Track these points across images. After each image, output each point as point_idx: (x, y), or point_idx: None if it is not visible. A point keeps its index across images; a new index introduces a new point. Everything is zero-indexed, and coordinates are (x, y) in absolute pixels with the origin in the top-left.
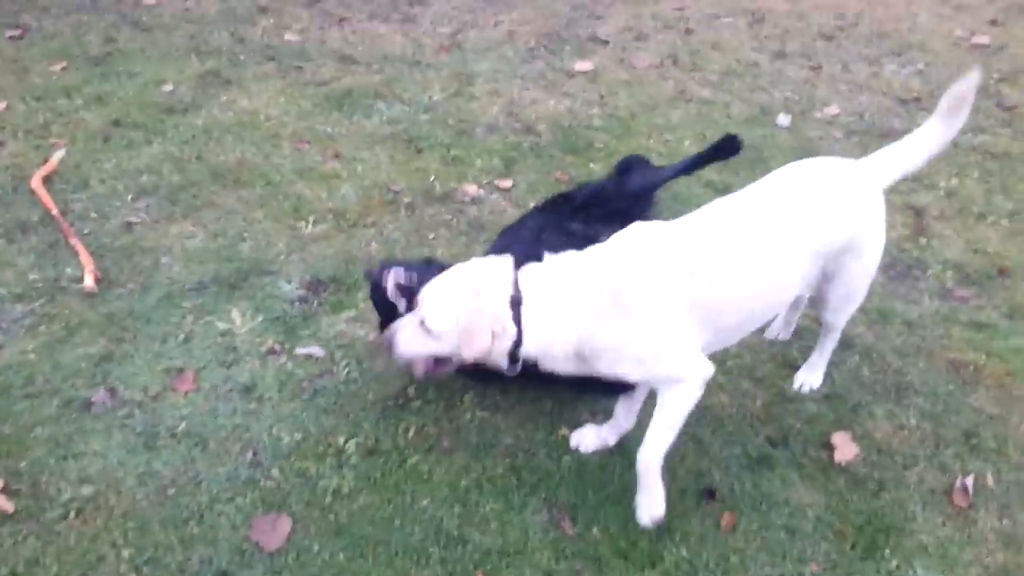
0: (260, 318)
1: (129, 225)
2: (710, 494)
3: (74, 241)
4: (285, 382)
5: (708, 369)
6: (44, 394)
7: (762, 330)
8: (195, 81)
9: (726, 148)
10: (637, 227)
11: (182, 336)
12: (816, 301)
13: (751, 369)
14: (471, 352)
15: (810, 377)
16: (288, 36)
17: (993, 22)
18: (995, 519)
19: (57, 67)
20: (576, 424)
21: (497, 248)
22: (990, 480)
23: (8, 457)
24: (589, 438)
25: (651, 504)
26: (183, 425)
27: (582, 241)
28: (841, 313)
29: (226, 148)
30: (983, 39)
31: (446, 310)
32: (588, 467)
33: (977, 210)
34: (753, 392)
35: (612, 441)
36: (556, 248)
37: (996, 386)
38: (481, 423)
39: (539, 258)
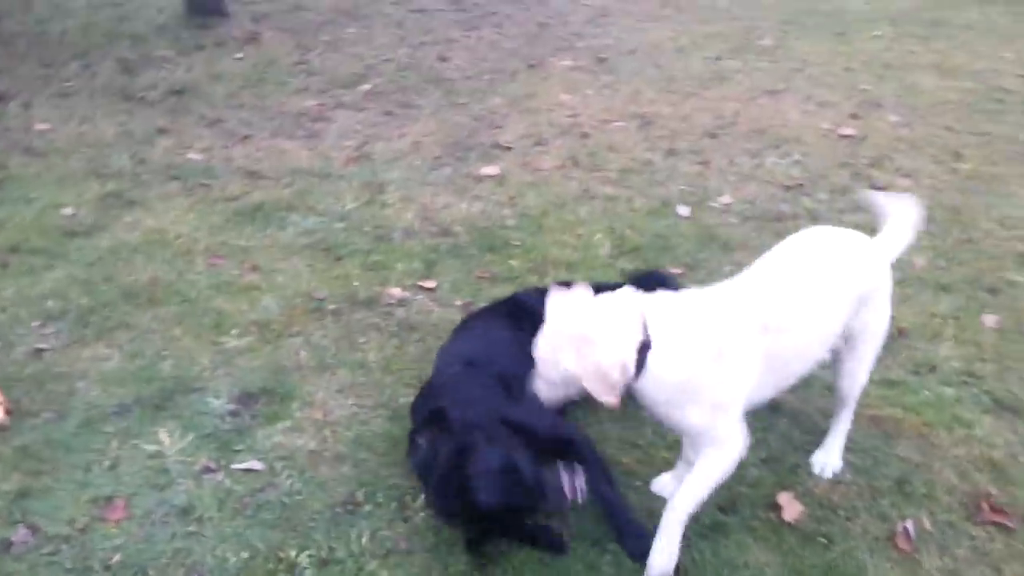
0: (190, 436)
1: (38, 352)
2: (675, 569)
3: None
4: (224, 500)
5: (747, 439)
6: None
7: None
8: (96, 203)
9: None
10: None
11: (107, 462)
12: (836, 368)
13: None
14: (602, 395)
15: (829, 458)
16: (191, 155)
17: (853, 115)
18: (937, 559)
19: None
20: None
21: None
22: (927, 523)
23: None
24: (669, 485)
25: (664, 558)
26: (118, 556)
27: None
28: (857, 378)
29: (136, 268)
30: (848, 131)
31: (554, 364)
32: (550, 557)
33: None
34: None
35: None
36: None
37: (916, 436)
38: (435, 521)
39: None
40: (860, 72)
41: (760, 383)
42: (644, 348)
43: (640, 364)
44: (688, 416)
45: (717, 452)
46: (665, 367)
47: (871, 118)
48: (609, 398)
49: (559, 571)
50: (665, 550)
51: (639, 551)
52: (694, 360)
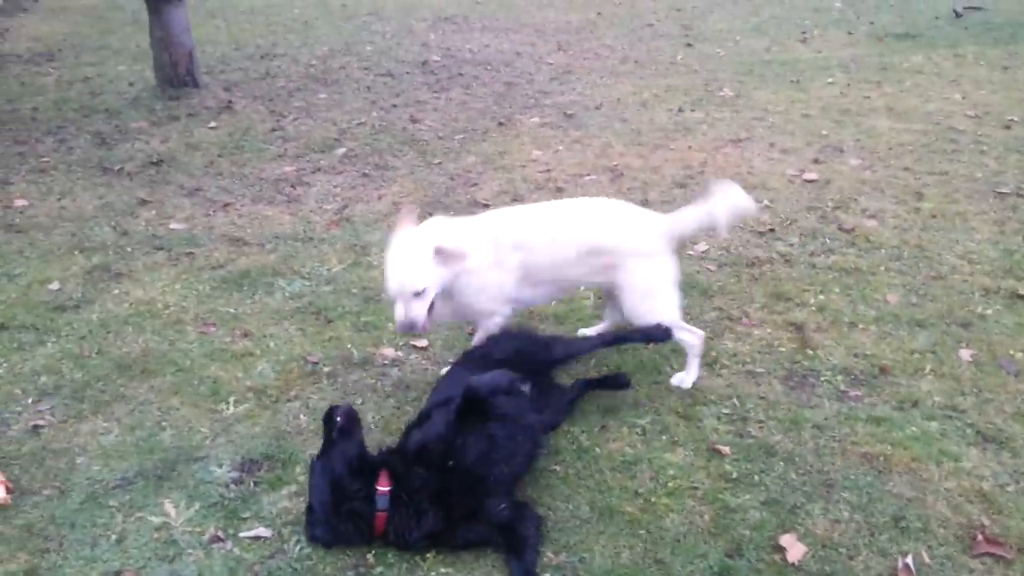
0: (196, 506)
1: (35, 429)
2: None
3: None
4: (235, 569)
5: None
6: None
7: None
8: (82, 277)
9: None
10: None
11: (114, 536)
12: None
13: (692, 488)
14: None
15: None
16: (173, 224)
17: (816, 160)
18: None
19: None
20: (544, 566)
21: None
22: (926, 557)
23: None
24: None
25: None
26: None
27: None
28: (643, 321)
29: (127, 339)
30: (812, 175)
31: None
32: None
33: (847, 320)
34: (699, 508)
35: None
36: None
37: (907, 471)
38: None
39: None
40: (818, 118)
41: (520, 285)
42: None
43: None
44: (479, 304)
45: (488, 324)
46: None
47: (833, 162)
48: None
49: None
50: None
51: None
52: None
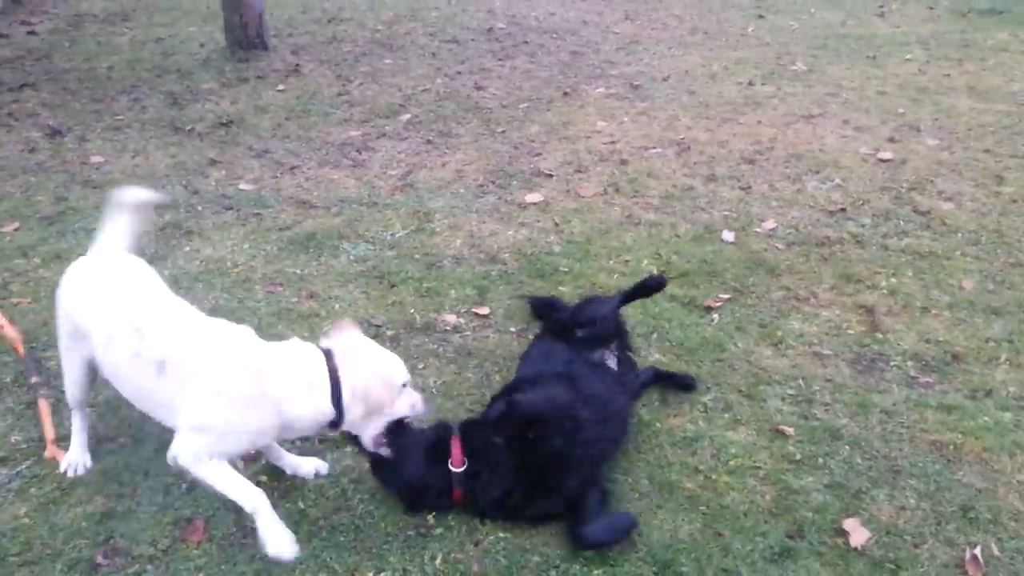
0: (263, 460)
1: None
2: None
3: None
4: (299, 522)
5: None
6: (44, 559)
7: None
8: (155, 233)
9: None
10: None
11: (185, 485)
12: None
13: (754, 467)
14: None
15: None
16: (242, 185)
17: (891, 139)
18: None
19: (9, 228)
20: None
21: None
22: (995, 550)
23: None
24: None
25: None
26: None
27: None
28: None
29: (198, 296)
30: (887, 155)
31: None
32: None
33: (920, 304)
34: (760, 488)
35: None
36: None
37: (977, 462)
38: (506, 544)
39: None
40: (895, 96)
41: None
42: None
43: None
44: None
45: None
46: None
47: (909, 142)
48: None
49: None
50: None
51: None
52: None
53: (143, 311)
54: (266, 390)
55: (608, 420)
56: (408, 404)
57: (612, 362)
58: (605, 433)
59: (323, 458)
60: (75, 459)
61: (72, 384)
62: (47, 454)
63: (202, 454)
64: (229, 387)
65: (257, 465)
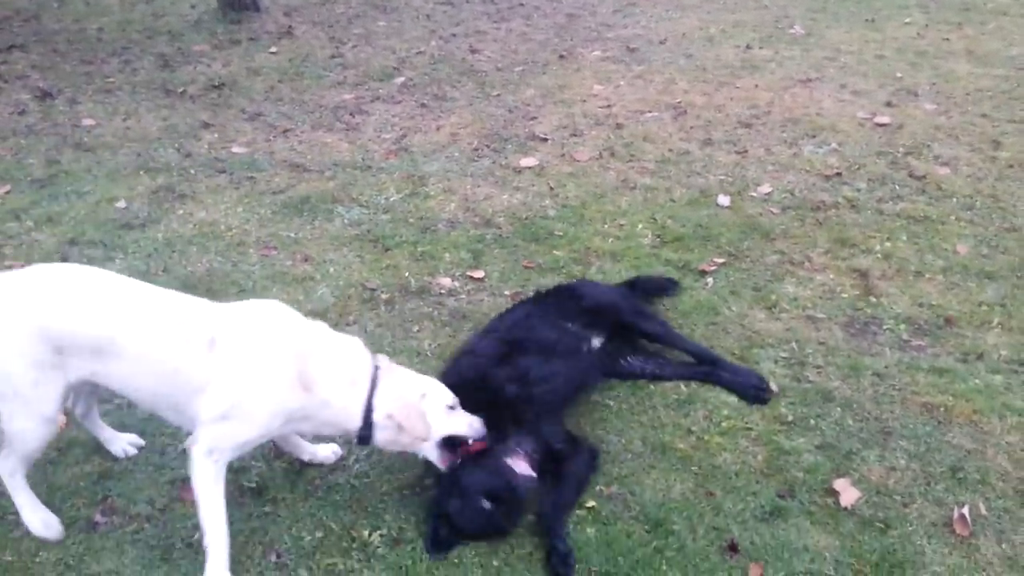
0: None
1: None
2: (732, 548)
3: None
4: (296, 481)
5: None
6: None
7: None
8: (148, 197)
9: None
10: None
11: (181, 446)
12: None
13: (746, 429)
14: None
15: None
16: (235, 148)
17: (888, 104)
18: (995, 545)
19: (1, 191)
20: (595, 496)
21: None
22: (983, 509)
23: None
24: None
25: None
26: (198, 535)
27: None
28: None
29: (191, 259)
30: (884, 119)
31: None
32: (613, 536)
33: (914, 268)
34: (752, 449)
35: None
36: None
37: (967, 423)
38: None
39: None
40: (893, 60)
41: None
42: None
43: None
44: None
45: None
46: None
47: (906, 106)
48: None
49: (621, 551)
50: None
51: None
52: None
53: (164, 297)
54: (308, 369)
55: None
56: (465, 424)
57: (597, 342)
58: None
59: None
60: (39, 523)
61: (43, 424)
62: None
63: (218, 446)
64: (271, 364)
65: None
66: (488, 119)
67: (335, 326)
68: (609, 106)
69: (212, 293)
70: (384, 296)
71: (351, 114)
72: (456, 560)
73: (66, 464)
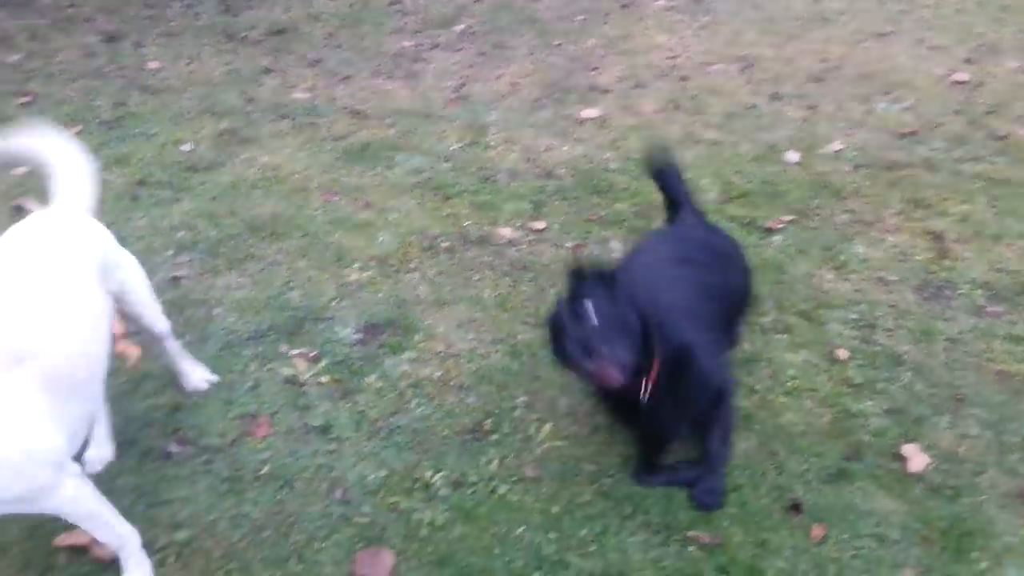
0: (323, 363)
1: (175, 280)
2: (795, 508)
3: None
4: (360, 422)
5: None
6: (120, 445)
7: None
8: (213, 140)
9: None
10: None
11: (249, 383)
12: None
13: (811, 390)
14: None
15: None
16: (296, 94)
17: (968, 60)
18: None
19: (71, 132)
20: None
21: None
22: None
23: None
24: None
25: None
26: (266, 468)
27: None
28: None
29: (256, 202)
30: (963, 76)
31: None
32: (674, 490)
33: (991, 233)
34: (817, 411)
35: None
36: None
37: None
38: (561, 453)
39: None
40: (974, 15)
41: None
42: None
43: None
44: None
45: None
46: None
47: (988, 64)
48: None
49: (681, 504)
50: None
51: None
52: None
53: None
54: None
55: None
56: None
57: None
58: None
59: (381, 364)
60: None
61: None
62: (116, 348)
63: None
64: None
65: (318, 366)
66: (549, 69)
67: (396, 272)
68: (673, 57)
69: (277, 236)
70: (444, 244)
71: (411, 61)
72: (516, 505)
73: (141, 395)
